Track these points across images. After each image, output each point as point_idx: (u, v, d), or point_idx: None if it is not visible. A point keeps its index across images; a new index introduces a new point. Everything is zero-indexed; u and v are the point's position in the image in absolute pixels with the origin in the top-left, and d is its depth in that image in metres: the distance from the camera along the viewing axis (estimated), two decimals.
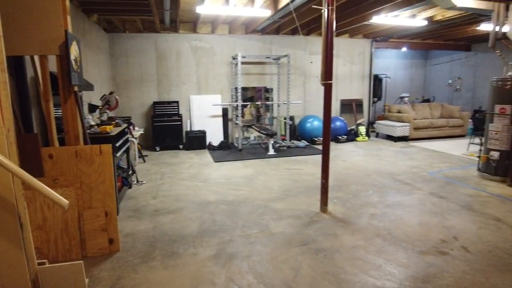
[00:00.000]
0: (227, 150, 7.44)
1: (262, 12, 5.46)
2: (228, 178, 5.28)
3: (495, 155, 4.99)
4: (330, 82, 3.69)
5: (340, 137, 8.26)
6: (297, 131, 8.51)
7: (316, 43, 8.48)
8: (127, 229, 3.35)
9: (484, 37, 8.80)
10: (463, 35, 8.47)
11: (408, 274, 2.58)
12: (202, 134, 7.55)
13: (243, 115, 8.09)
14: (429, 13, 6.28)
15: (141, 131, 6.58)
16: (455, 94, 10.68)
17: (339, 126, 8.36)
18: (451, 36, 8.92)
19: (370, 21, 6.33)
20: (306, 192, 4.57)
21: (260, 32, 7.87)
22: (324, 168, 3.86)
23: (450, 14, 6.20)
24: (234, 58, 7.73)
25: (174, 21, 6.97)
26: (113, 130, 3.75)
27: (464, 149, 7.33)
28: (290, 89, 7.92)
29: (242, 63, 7.38)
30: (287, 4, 5.02)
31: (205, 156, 6.91)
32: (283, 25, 7.33)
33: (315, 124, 8.18)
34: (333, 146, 7.92)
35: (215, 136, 7.79)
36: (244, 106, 8.08)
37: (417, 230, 3.37)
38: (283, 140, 8.02)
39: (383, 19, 6.21)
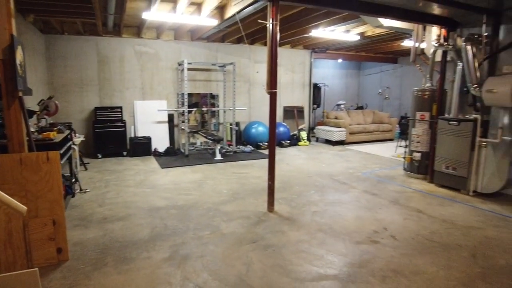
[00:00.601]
0: (173, 156, 7.42)
1: (209, 21, 5.62)
2: (177, 183, 5.32)
3: (417, 156, 5.69)
4: (275, 91, 3.97)
5: (283, 142, 8.67)
6: (242, 136, 8.75)
7: (260, 52, 8.85)
8: (75, 238, 3.27)
9: (408, 51, 9.89)
10: (390, 49, 9.46)
11: (346, 261, 2.91)
12: (147, 141, 7.44)
13: (188, 121, 8.13)
14: (361, 29, 6.96)
15: (82, 138, 6.31)
16: (385, 102, 11.80)
17: (283, 132, 8.78)
18: (380, 50, 9.89)
19: (310, 34, 6.83)
20: (254, 194, 4.80)
21: (206, 39, 8.01)
22: (271, 171, 4.12)
23: (379, 31, 6.93)
24: (180, 64, 7.76)
25: (118, 25, 6.82)
26: (56, 137, 3.62)
27: (392, 151, 8.16)
28: (236, 96, 8.16)
29: (188, 69, 7.45)
30: (233, 15, 5.25)
31: (151, 162, 6.83)
32: (228, 33, 7.56)
33: (260, 129, 8.50)
34: (277, 150, 8.30)
35: (160, 142, 7.72)
36: (188, 112, 8.13)
37: (353, 223, 3.76)
38: (229, 145, 8.21)
39: (321, 33, 6.74)
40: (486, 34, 4.50)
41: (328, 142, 9.30)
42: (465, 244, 3.28)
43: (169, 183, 5.30)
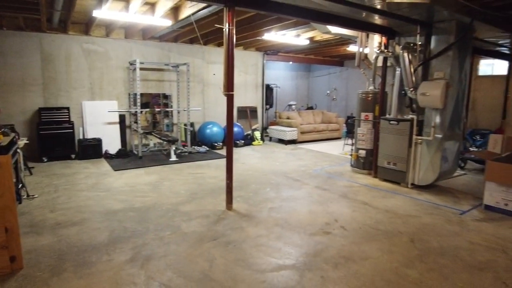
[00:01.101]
0: (126, 158, 7.24)
1: (163, 21, 5.60)
2: (132, 186, 5.23)
3: (362, 153, 6.16)
4: (232, 93, 4.11)
5: (238, 142, 8.83)
6: (197, 137, 8.76)
7: (214, 52, 8.92)
8: (27, 246, 3.13)
9: (353, 56, 10.56)
10: (337, 53, 10.04)
11: (302, 252, 3.13)
12: (97, 142, 7.17)
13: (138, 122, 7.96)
14: (310, 34, 7.34)
15: (25, 141, 5.92)
16: (333, 102, 12.46)
17: (237, 132, 8.93)
18: (328, 54, 10.44)
19: (262, 37, 7.06)
20: (212, 193, 4.89)
21: (158, 39, 7.90)
22: (229, 170, 4.25)
23: (327, 36, 7.36)
24: (131, 64, 7.57)
25: (63, 21, 6.50)
26: (3, 140, 3.43)
27: (340, 149, 8.69)
28: (190, 96, 8.15)
29: (141, 69, 7.30)
30: (188, 16, 5.29)
31: (103, 165, 6.61)
32: (182, 34, 7.53)
33: (215, 130, 8.57)
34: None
35: (112, 144, 7.48)
36: (141, 112, 7.96)
37: (307, 217, 4.03)
38: (184, 146, 8.18)
39: (273, 36, 7.00)
40: (420, 43, 5.03)
41: (281, 141, 9.64)
42: (405, 230, 3.68)
43: (124, 186, 5.20)
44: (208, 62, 8.89)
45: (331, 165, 6.96)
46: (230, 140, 4.25)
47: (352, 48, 8.61)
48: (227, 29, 3.87)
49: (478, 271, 2.87)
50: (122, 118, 7.73)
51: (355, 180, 5.79)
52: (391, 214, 4.17)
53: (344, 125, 10.53)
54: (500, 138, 4.84)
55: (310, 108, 12.40)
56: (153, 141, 8.17)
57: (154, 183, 5.40)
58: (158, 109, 8.27)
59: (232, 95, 4.11)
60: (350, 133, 8.72)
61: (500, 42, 6.95)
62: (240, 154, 7.99)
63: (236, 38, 7.79)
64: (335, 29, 5.57)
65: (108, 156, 7.22)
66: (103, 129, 7.44)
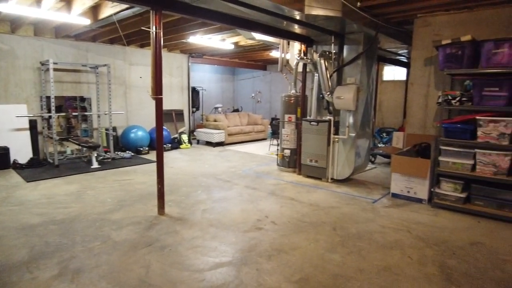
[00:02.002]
0: (40, 167, 6.58)
1: (80, 20, 5.26)
2: (50, 197, 4.82)
3: (287, 152, 6.56)
4: (161, 97, 4.08)
5: (165, 145, 8.64)
6: (120, 142, 8.36)
7: (136, 54, 8.60)
8: None
9: (275, 60, 11.10)
10: (260, 57, 10.47)
11: (237, 248, 3.28)
12: (4, 151, 6.39)
13: (49, 127, 7.31)
14: (235, 39, 7.56)
15: None
16: (257, 105, 12.92)
17: (163, 135, 8.72)
18: (252, 58, 10.82)
19: (188, 40, 7.06)
20: (141, 200, 4.77)
21: (73, 38, 7.35)
22: (159, 174, 4.20)
23: (251, 42, 7.65)
24: (43, 64, 6.91)
25: None
26: None
27: (266, 149, 9.09)
28: (112, 99, 7.73)
29: (54, 69, 6.71)
30: (110, 16, 5.07)
31: (12, 176, 5.93)
32: (101, 33, 7.13)
33: (140, 134, 8.28)
34: None
35: (22, 153, 6.73)
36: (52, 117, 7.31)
37: (239, 215, 4.19)
38: (107, 152, 7.74)
39: (198, 39, 7.05)
40: (334, 51, 5.58)
41: (209, 143, 9.69)
42: (327, 220, 4.07)
43: (41, 198, 4.76)
44: (131, 63, 8.55)
45: (259, 165, 7.26)
46: (160, 144, 4.22)
47: (275, 54, 9.09)
48: (154, 32, 3.84)
49: (389, 249, 3.34)
50: (33, 123, 7.00)
51: (281, 178, 6.15)
52: (315, 207, 4.56)
53: (269, 126, 11.01)
54: (401, 135, 5.62)
55: (236, 110, 12.67)
56: (70, 148, 7.55)
57: (76, 192, 5.04)
58: (75, 113, 7.68)
59: (161, 99, 4.08)
60: (275, 134, 9.17)
61: (400, 52, 8.04)
62: (168, 158, 7.85)
63: None
64: (259, 36, 5.86)
65: (17, 166, 6.49)
66: (10, 136, 6.65)
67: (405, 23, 5.61)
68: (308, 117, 6.17)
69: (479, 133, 4.24)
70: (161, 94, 4.05)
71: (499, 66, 4.06)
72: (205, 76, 12.45)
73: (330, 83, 5.55)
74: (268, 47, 8.44)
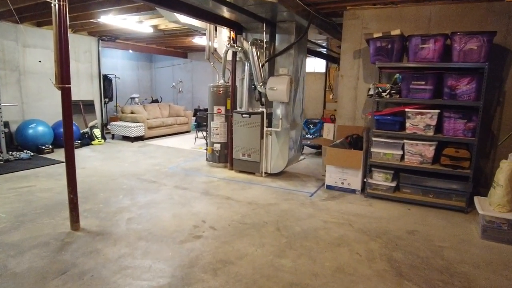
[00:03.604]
0: None
1: None
2: None
3: (217, 147, 6.16)
4: (69, 86, 3.31)
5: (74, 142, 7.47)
6: (15, 139, 6.96)
7: (32, 33, 7.18)
8: None
9: (197, 47, 10.49)
10: (182, 44, 9.74)
11: (175, 265, 2.82)
12: None
13: None
14: (155, 21, 6.77)
15: None
16: (179, 95, 12.14)
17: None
18: (171, 44, 10.02)
19: (98, 20, 6.09)
20: (47, 212, 3.91)
21: None
22: (71, 180, 3.45)
23: (172, 26, 6.95)
24: None
25: None
26: None
27: (192, 143, 8.54)
28: (1, 88, 6.33)
29: None
30: None
31: None
32: None
33: (40, 129, 6.99)
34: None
35: None
36: None
37: (172, 223, 3.69)
38: None
39: (111, 20, 6.13)
40: (266, 40, 5.32)
41: (126, 138, 8.73)
42: (269, 220, 3.83)
43: None
44: (25, 45, 7.11)
45: (186, 160, 6.72)
46: (70, 143, 3.46)
47: (198, 40, 8.51)
48: (57, 5, 3.05)
49: (336, 247, 3.23)
50: None
51: (213, 174, 5.75)
52: (253, 206, 4.28)
53: (193, 118, 10.42)
54: (332, 126, 5.68)
55: (156, 101, 11.72)
56: None
57: None
58: None
59: (69, 88, 3.33)
60: (200, 126, 8.65)
61: (322, 43, 8.18)
62: (79, 156, 6.78)
63: None
64: (184, 19, 5.27)
65: None
66: None
67: (333, 14, 5.62)
68: (239, 109, 5.84)
69: (407, 124, 4.42)
70: (69, 82, 3.30)
71: (425, 60, 4.26)
72: (118, 63, 11.20)
73: (262, 73, 5.29)
74: (191, 32, 7.83)
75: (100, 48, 8.70)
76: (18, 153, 6.46)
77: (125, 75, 11.47)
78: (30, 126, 6.90)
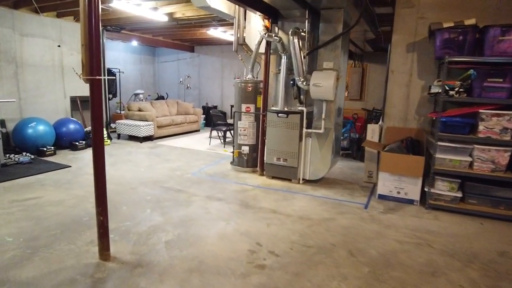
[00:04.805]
0: None
1: None
2: None
3: (245, 149, 5.50)
4: (99, 78, 2.61)
5: (77, 143, 6.72)
6: (13, 140, 6.16)
7: (29, 20, 6.37)
8: None
9: (206, 41, 9.76)
10: (191, 36, 8.99)
11: None
12: None
13: None
14: (171, 8, 6.05)
15: None
16: (185, 91, 11.39)
17: (75, 130, 6.80)
18: (179, 36, 9.26)
19: (110, 4, 5.34)
20: (64, 233, 3.21)
21: None
22: (100, 197, 2.76)
23: (189, 14, 6.24)
24: None
25: None
26: None
27: (205, 143, 7.85)
28: None
29: None
30: None
31: None
32: None
33: (41, 129, 6.21)
34: (71, 155, 6.33)
35: None
36: None
37: (222, 246, 3.04)
38: None
39: (124, 5, 5.39)
40: (307, 30, 4.67)
41: (133, 138, 7.99)
42: (335, 241, 3.21)
43: None
44: (23, 33, 6.29)
45: (207, 164, 6.04)
46: (100, 150, 2.75)
47: (212, 32, 7.81)
48: None
49: (431, 277, 2.63)
50: None
51: (243, 181, 5.09)
52: (307, 222, 3.65)
53: (203, 116, 9.73)
54: (376, 127, 5.08)
55: (161, 97, 10.95)
56: None
57: None
58: None
59: (99, 81, 2.62)
60: (215, 126, 7.94)
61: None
62: (85, 160, 6.04)
63: (65, 3, 5.73)
64: (215, 3, 4.58)
65: None
66: None
67: (379, 3, 5.01)
68: (273, 108, 5.18)
69: (480, 127, 3.84)
70: (99, 73, 2.59)
71: (505, 55, 3.67)
72: (120, 56, 10.38)
73: (304, 67, 4.64)
74: (206, 23, 7.13)
75: (105, 40, 7.90)
76: (16, 156, 5.67)
77: (128, 70, 10.65)
78: (29, 126, 6.11)
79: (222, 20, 6.72)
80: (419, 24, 4.53)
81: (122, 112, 9.30)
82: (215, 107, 10.61)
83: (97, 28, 2.50)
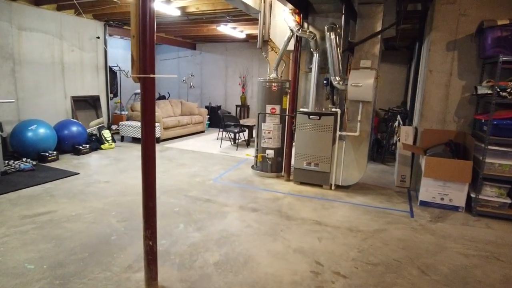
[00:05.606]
0: None
1: None
2: None
3: (270, 153, 5.16)
4: (152, 76, 2.22)
5: (80, 147, 6.21)
6: (10, 145, 5.61)
7: (29, 13, 5.82)
8: None
9: (210, 38, 9.33)
10: (197, 33, 8.54)
11: None
12: None
13: None
14: (185, 2, 5.63)
15: None
16: (188, 91, 10.91)
17: (77, 132, 6.28)
18: (184, 33, 8.80)
19: None
20: (94, 257, 2.79)
21: None
22: (149, 217, 2.37)
23: (204, 8, 5.83)
24: None
25: None
26: None
27: (216, 145, 7.46)
28: None
29: None
30: None
31: None
32: None
33: (41, 132, 5.68)
34: (74, 160, 5.83)
35: None
36: None
37: (278, 267, 2.69)
38: None
39: None
40: (343, 26, 4.36)
41: (137, 140, 7.51)
42: (398, 257, 2.92)
43: None
44: (20, 27, 5.73)
45: (226, 169, 5.66)
46: (152, 161, 2.35)
47: (223, 29, 7.40)
48: None
49: None
50: None
51: (272, 188, 4.75)
52: (359, 234, 3.35)
53: (208, 116, 9.31)
54: (410, 130, 4.82)
55: (163, 97, 10.45)
56: None
57: None
58: None
59: (153, 80, 2.23)
60: (226, 127, 7.55)
61: None
62: (92, 166, 5.56)
63: None
64: None
65: None
66: None
67: None
68: (303, 109, 4.85)
69: None
70: (152, 71, 2.20)
71: None
72: (119, 53, 9.82)
73: (341, 66, 4.33)
74: (217, 19, 6.73)
75: (107, 36, 7.38)
76: (17, 162, 5.15)
77: (126, 67, 10.09)
78: (29, 128, 5.57)
79: (236, 16, 6.35)
80: (461, 21, 4.28)
81: (123, 112, 8.79)
82: (219, 107, 10.20)
83: (152, 14, 2.11)
